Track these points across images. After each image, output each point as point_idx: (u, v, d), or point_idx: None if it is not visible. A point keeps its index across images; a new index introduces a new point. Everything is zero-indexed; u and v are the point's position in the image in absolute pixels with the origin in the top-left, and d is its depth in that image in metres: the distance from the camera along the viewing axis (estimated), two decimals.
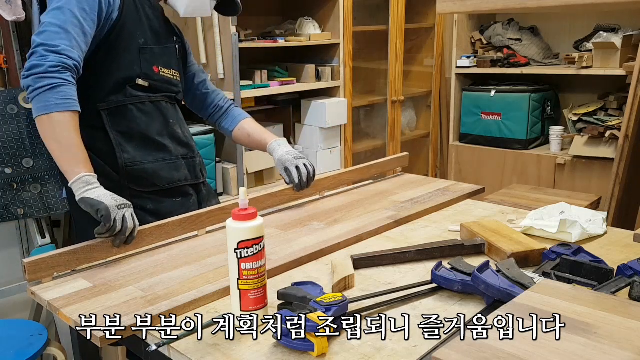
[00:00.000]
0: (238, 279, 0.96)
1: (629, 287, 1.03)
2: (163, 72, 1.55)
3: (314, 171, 1.64)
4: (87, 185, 1.24)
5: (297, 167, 1.61)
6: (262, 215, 1.16)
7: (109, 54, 1.44)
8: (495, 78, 3.58)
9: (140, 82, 1.49)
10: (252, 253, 0.95)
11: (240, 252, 0.95)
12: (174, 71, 1.60)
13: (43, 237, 2.31)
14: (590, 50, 3.10)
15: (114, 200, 1.24)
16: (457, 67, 3.60)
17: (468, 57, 3.56)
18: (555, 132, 3.27)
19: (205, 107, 1.79)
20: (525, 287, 0.98)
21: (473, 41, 3.71)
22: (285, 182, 1.65)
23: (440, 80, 3.92)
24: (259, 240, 0.96)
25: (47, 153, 2.22)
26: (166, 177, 1.53)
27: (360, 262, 1.23)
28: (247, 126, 1.76)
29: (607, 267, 1.10)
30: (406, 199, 1.70)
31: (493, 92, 3.44)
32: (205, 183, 1.71)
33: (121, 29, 1.44)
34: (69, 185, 1.26)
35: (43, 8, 2.08)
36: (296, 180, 1.60)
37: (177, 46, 1.63)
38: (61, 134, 1.26)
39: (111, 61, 1.45)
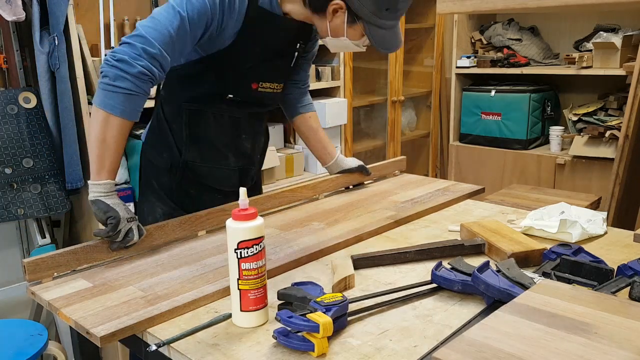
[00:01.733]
0: (238, 279, 0.96)
1: (629, 287, 1.03)
2: (262, 87, 1.50)
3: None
4: (106, 192, 1.25)
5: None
6: (262, 216, 1.16)
7: (209, 69, 1.42)
8: (495, 78, 3.58)
9: (230, 97, 1.46)
10: (252, 253, 0.95)
11: (240, 252, 0.95)
12: (276, 84, 1.54)
13: (43, 237, 2.31)
14: (590, 50, 3.10)
15: (126, 212, 1.25)
16: (457, 67, 3.60)
17: (468, 57, 3.56)
18: (555, 132, 3.27)
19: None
20: (525, 287, 0.98)
21: (473, 41, 3.71)
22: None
23: (440, 80, 3.92)
24: (259, 240, 0.96)
25: (47, 153, 2.23)
26: (218, 178, 1.57)
27: (360, 262, 1.23)
28: (314, 124, 1.82)
29: (607, 267, 1.10)
30: (406, 199, 1.70)
31: (493, 92, 3.44)
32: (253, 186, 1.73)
33: (230, 52, 1.39)
34: (89, 182, 1.26)
35: (43, 8, 2.09)
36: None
37: (296, 53, 1.55)
38: (112, 136, 1.24)
39: (209, 75, 1.43)
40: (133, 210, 1.51)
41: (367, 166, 1.90)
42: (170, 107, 1.52)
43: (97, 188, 1.25)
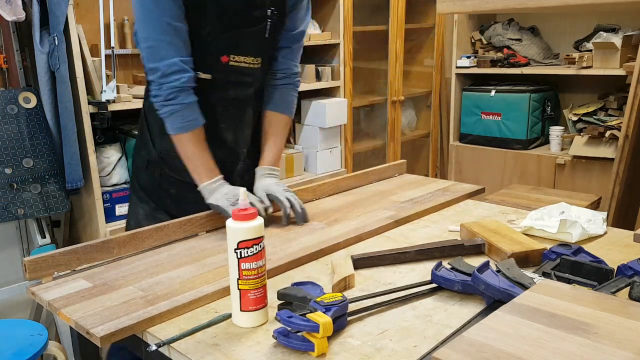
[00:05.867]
0: (238, 279, 0.96)
1: (629, 287, 1.03)
2: (234, 60, 1.39)
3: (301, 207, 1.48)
4: (210, 192, 1.39)
5: (288, 199, 1.46)
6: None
7: None
8: (495, 78, 3.58)
9: (201, 75, 1.37)
10: (252, 253, 0.95)
11: (240, 252, 0.95)
12: (252, 58, 1.41)
13: (43, 237, 2.31)
14: (590, 50, 3.10)
15: (227, 200, 1.37)
16: (457, 67, 3.60)
17: (468, 57, 3.56)
18: (555, 132, 3.27)
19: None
20: (525, 287, 0.98)
21: (473, 41, 3.71)
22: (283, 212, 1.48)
23: (440, 80, 3.92)
24: (259, 240, 0.96)
25: (47, 153, 2.23)
26: None
27: (360, 262, 1.23)
28: (274, 121, 1.56)
29: (607, 267, 1.10)
30: (406, 199, 1.70)
31: (493, 92, 3.44)
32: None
33: (188, 17, 1.31)
34: (199, 188, 1.40)
35: (43, 8, 2.09)
36: (288, 211, 1.46)
37: (268, 24, 1.40)
38: (182, 150, 1.38)
39: None
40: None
41: (367, 170, 1.89)
42: (147, 100, 1.47)
43: (203, 192, 1.39)
